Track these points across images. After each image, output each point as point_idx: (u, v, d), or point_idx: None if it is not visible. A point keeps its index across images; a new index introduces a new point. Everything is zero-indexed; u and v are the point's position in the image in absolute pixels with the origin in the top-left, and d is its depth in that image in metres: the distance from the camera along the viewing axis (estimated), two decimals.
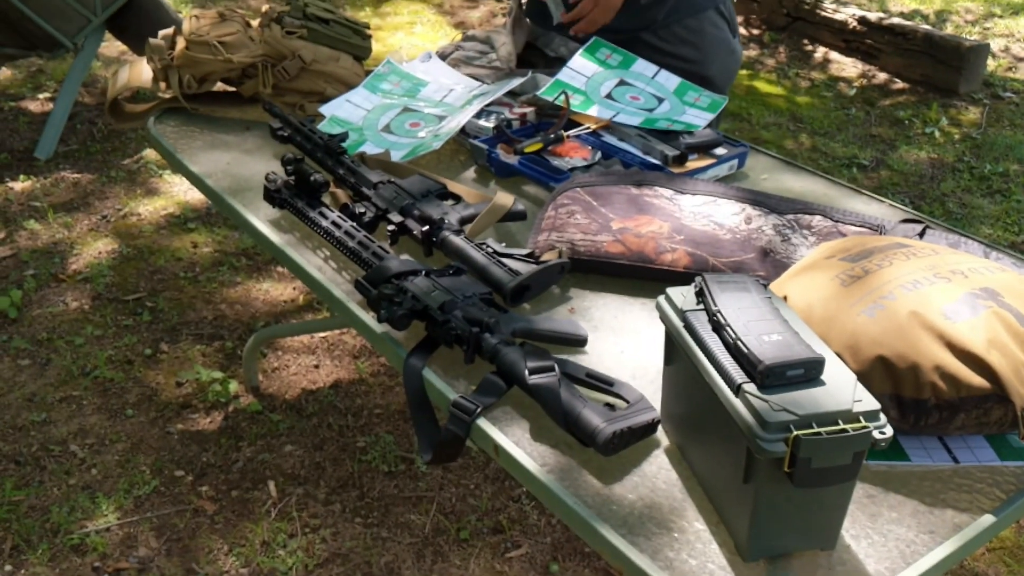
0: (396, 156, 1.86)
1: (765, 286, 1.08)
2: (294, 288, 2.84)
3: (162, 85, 2.03)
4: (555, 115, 1.98)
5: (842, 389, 0.93)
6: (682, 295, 1.08)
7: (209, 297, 2.78)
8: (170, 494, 2.12)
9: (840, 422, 0.90)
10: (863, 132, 4.05)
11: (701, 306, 1.05)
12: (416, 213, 1.59)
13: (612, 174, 1.63)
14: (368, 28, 2.19)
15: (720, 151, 1.87)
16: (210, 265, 2.93)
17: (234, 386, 2.39)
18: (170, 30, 2.03)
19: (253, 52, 1.99)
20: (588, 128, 1.90)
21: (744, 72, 4.63)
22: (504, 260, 1.46)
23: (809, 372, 0.94)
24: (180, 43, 1.99)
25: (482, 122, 1.94)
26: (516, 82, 2.00)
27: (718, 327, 1.01)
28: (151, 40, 1.99)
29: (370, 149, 1.91)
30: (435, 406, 1.28)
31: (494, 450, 1.17)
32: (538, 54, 2.28)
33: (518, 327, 1.32)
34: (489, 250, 1.49)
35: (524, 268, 1.44)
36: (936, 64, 4.40)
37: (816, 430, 0.89)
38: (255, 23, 2.08)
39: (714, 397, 0.97)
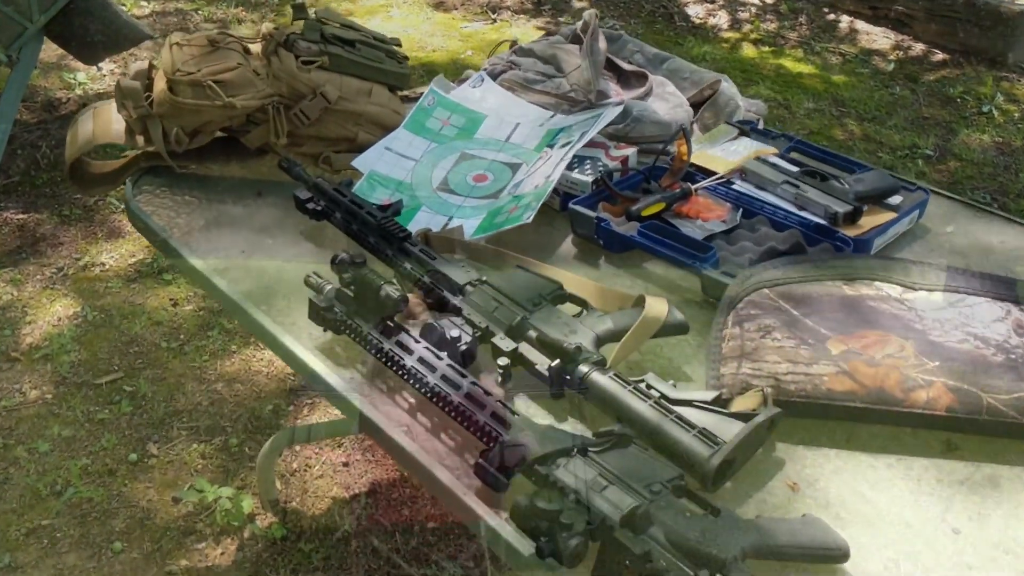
0: (469, 232, 1.38)
1: None
2: None
3: (139, 139, 1.52)
4: (663, 153, 1.50)
5: None
6: None
7: (200, 374, 2.27)
8: None
9: None
10: (914, 114, 3.62)
11: None
12: (533, 335, 1.12)
13: (804, 260, 1.17)
14: (400, 44, 1.69)
15: (895, 199, 1.42)
16: (196, 330, 2.42)
17: (247, 503, 1.89)
18: (144, 65, 1.52)
19: (261, 92, 1.48)
20: (720, 177, 1.44)
21: (768, 49, 4.16)
22: (684, 412, 1.00)
23: None
24: (160, 82, 1.48)
25: (575, 174, 1.46)
26: (612, 115, 1.52)
27: None
28: (121, 82, 1.47)
29: (427, 219, 1.42)
30: None
31: None
32: (607, 65, 1.80)
33: (748, 544, 0.86)
34: (656, 394, 1.03)
35: (716, 425, 0.98)
36: (981, 32, 3.98)
37: None
38: (255, 47, 1.57)
39: None
